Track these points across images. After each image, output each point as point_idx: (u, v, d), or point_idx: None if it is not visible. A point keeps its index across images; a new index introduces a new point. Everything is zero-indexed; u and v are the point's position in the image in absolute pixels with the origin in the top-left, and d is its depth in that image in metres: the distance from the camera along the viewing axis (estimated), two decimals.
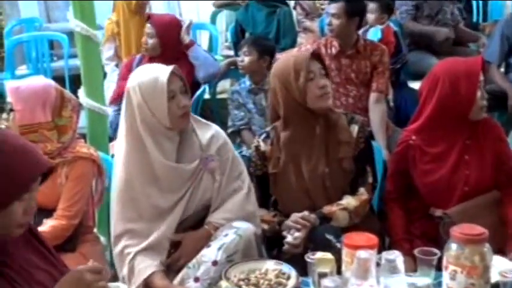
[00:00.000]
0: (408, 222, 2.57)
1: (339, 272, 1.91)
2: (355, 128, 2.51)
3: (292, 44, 4.83)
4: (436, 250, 1.91)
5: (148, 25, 3.93)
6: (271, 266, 2.09)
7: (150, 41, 3.90)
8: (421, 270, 1.92)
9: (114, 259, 2.40)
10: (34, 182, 1.59)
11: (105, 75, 4.27)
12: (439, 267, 1.89)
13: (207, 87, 4.44)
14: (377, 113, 3.61)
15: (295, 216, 2.42)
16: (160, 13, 5.13)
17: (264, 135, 2.60)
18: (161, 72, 2.29)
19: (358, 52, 3.66)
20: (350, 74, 3.67)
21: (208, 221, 2.38)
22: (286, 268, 2.06)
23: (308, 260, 1.93)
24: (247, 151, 3.59)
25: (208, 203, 2.40)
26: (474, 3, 6.26)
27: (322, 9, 5.66)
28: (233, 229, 2.29)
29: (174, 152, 2.34)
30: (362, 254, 1.76)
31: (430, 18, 5.12)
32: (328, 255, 1.92)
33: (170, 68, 2.30)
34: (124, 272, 2.31)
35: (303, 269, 1.99)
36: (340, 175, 2.50)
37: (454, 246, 1.79)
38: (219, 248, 2.24)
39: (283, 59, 2.62)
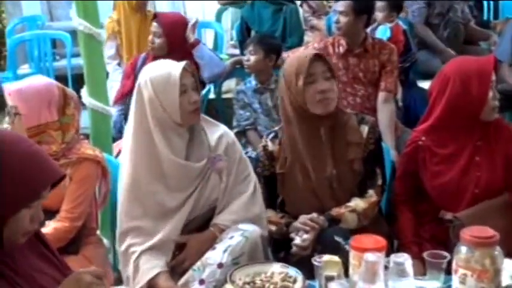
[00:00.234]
0: (417, 225, 2.56)
1: (346, 275, 1.91)
2: (365, 129, 2.51)
3: (299, 43, 4.83)
4: (445, 253, 1.91)
5: (154, 24, 3.93)
6: (277, 269, 2.09)
7: (157, 41, 3.90)
8: (430, 273, 1.91)
9: (119, 257, 2.41)
10: (45, 189, 1.59)
11: (107, 74, 4.28)
12: (448, 271, 1.89)
13: (212, 86, 4.45)
14: (385, 113, 3.60)
15: (303, 218, 2.42)
16: (166, 12, 5.15)
17: (272, 135, 2.60)
18: (174, 67, 2.33)
19: (366, 51, 3.65)
20: (358, 73, 3.67)
21: (213, 222, 2.39)
22: (293, 271, 2.06)
23: (315, 263, 1.93)
24: (252, 152, 3.61)
25: (214, 204, 2.41)
26: (485, 1, 6.25)
27: (330, 7, 5.67)
28: (239, 231, 2.30)
29: (183, 150, 2.37)
30: (370, 256, 1.76)
31: (441, 17, 5.11)
32: (335, 258, 1.92)
33: (182, 63, 2.33)
34: (128, 271, 2.33)
35: (310, 272, 1.99)
36: (348, 176, 2.50)
37: (464, 249, 1.79)
38: (225, 251, 2.25)
39: (290, 58, 2.62)
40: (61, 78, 5.37)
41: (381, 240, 1.88)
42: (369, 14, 3.73)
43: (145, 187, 2.34)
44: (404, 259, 1.79)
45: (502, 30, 5.00)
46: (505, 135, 2.49)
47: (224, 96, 4.72)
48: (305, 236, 2.38)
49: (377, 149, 2.55)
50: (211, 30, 6.05)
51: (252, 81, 3.90)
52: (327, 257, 1.92)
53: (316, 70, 2.44)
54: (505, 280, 1.84)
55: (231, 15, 6.37)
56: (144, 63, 3.94)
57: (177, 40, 3.92)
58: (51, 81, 2.59)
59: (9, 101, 2.43)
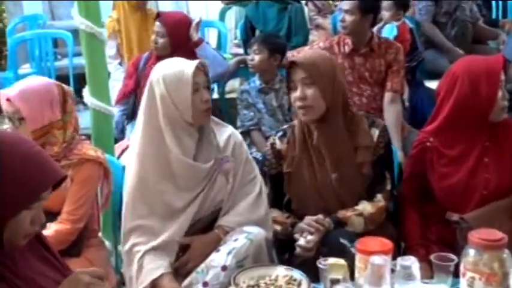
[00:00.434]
0: (424, 227, 2.56)
1: (352, 278, 1.91)
2: (375, 132, 2.51)
3: (304, 42, 4.83)
4: (453, 256, 1.91)
5: (158, 24, 3.93)
6: (281, 272, 2.08)
7: (160, 40, 3.90)
8: (438, 277, 1.91)
9: (123, 257, 2.42)
10: (45, 190, 1.59)
11: (108, 74, 4.29)
12: (456, 274, 1.88)
13: (215, 86, 4.45)
14: (392, 114, 3.60)
15: (309, 219, 2.42)
16: (169, 11, 5.15)
17: (280, 133, 2.61)
18: (187, 65, 2.34)
19: (372, 50, 3.65)
20: (364, 73, 3.66)
21: (218, 224, 2.40)
22: (297, 274, 2.06)
23: (320, 265, 1.93)
24: (257, 153, 3.61)
25: (220, 205, 2.43)
26: (493, 0, 6.24)
27: (335, 5, 5.67)
28: (244, 233, 2.30)
29: (193, 150, 2.38)
30: (376, 259, 1.76)
31: (448, 15, 5.11)
32: (341, 261, 1.92)
33: (195, 61, 2.35)
34: (132, 270, 2.33)
35: (315, 275, 1.99)
36: (356, 180, 2.50)
37: (472, 252, 1.79)
38: (229, 253, 2.25)
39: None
40: (62, 77, 5.39)
41: (387, 243, 1.88)
42: (375, 13, 3.72)
43: (153, 186, 2.35)
44: (411, 262, 1.79)
45: (511, 29, 5.00)
46: None
47: (228, 96, 4.72)
48: (309, 237, 2.38)
49: (387, 153, 2.54)
50: (214, 30, 6.05)
51: (256, 81, 3.90)
52: (332, 260, 1.92)
53: (294, 77, 2.46)
54: None
55: (235, 14, 6.36)
56: (146, 63, 3.95)
57: (180, 40, 3.92)
58: (48, 80, 2.60)
59: (8, 107, 2.41)
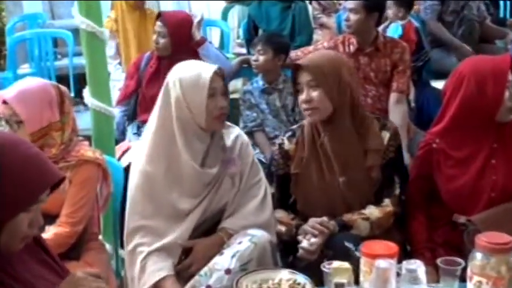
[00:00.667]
0: (430, 230, 2.55)
1: (356, 282, 1.90)
2: (386, 135, 2.51)
3: (308, 41, 4.82)
4: (460, 260, 1.90)
5: (159, 24, 3.93)
6: (285, 276, 2.08)
7: (162, 41, 3.90)
8: (444, 281, 1.91)
9: (125, 257, 2.42)
10: (43, 192, 1.59)
11: (108, 74, 4.30)
12: (463, 278, 1.88)
13: None
14: (397, 114, 3.59)
15: (313, 221, 2.42)
16: (170, 11, 5.15)
17: (289, 133, 2.62)
18: (205, 69, 2.36)
19: (377, 50, 3.65)
20: (369, 73, 3.66)
21: (221, 227, 2.41)
22: (301, 278, 2.06)
23: (324, 269, 1.93)
24: (259, 154, 3.61)
25: (224, 207, 2.43)
26: None
27: (340, 4, 5.67)
28: (248, 236, 2.31)
29: (201, 154, 2.39)
30: (381, 263, 1.75)
31: (455, 14, 5.10)
32: (346, 265, 1.91)
33: (214, 66, 2.37)
34: (134, 271, 2.34)
35: (319, 278, 1.99)
36: (364, 184, 2.50)
37: (479, 255, 1.78)
38: (233, 256, 2.26)
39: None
40: (63, 77, 5.42)
41: (393, 246, 1.88)
42: (380, 11, 3.72)
43: (160, 186, 2.37)
44: (417, 266, 1.79)
45: None
46: None
47: (230, 96, 4.70)
48: (313, 239, 2.38)
49: (397, 157, 2.54)
50: (217, 29, 6.05)
51: (259, 81, 3.90)
52: (336, 264, 1.92)
53: (300, 79, 2.47)
54: None
55: (237, 13, 6.37)
56: (148, 63, 3.95)
57: (182, 40, 3.92)
58: (44, 80, 2.60)
59: (5, 109, 2.40)
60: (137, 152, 2.48)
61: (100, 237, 2.77)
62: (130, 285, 2.37)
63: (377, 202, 2.50)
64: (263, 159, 3.52)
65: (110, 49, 4.65)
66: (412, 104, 4.10)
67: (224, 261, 2.26)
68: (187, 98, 2.32)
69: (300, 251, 2.39)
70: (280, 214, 2.55)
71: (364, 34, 3.65)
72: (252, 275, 2.09)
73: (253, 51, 3.96)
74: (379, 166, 2.49)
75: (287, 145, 2.59)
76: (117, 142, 3.52)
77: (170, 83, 2.37)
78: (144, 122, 3.76)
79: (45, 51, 5.89)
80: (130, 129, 3.88)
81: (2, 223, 1.53)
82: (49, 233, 2.40)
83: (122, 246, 2.70)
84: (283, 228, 2.51)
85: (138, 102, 3.94)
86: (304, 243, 2.38)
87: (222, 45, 5.66)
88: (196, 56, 3.92)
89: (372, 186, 2.51)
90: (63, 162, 2.46)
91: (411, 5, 4.59)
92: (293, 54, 3.95)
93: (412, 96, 4.09)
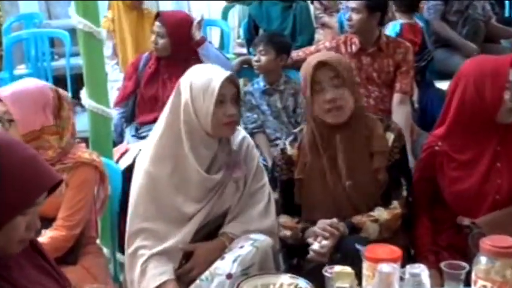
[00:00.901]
0: (434, 233, 2.55)
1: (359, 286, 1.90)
2: (391, 137, 2.51)
3: (310, 41, 4.83)
4: (464, 263, 1.90)
5: (157, 24, 3.93)
6: (286, 280, 2.08)
7: (161, 41, 3.90)
8: (448, 285, 1.90)
9: (125, 259, 2.43)
10: (41, 195, 1.59)
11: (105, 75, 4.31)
12: (467, 282, 1.88)
13: None
14: (401, 116, 3.59)
15: (323, 223, 2.40)
16: (169, 10, 5.15)
17: (291, 138, 2.61)
18: (216, 75, 2.35)
19: (380, 50, 3.65)
20: (371, 74, 3.66)
21: (223, 231, 2.41)
22: (303, 282, 2.06)
23: (326, 274, 1.92)
24: (260, 156, 3.61)
25: (226, 211, 2.44)
26: None
27: (341, 3, 5.67)
28: (249, 241, 2.31)
29: (208, 160, 2.39)
30: (384, 267, 1.75)
31: (459, 14, 5.10)
32: (348, 269, 1.91)
33: (227, 73, 2.36)
34: (134, 274, 2.34)
35: (321, 284, 1.98)
36: (371, 187, 2.49)
37: (483, 259, 1.78)
38: (234, 261, 2.26)
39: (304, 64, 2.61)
40: (60, 78, 5.41)
41: (396, 250, 1.88)
42: (383, 11, 3.72)
43: (164, 188, 2.37)
44: (421, 270, 1.79)
45: None
46: None
47: None
48: (324, 242, 2.36)
49: (402, 159, 2.54)
50: (217, 29, 6.05)
51: (260, 82, 3.90)
52: (338, 268, 1.92)
53: (322, 78, 2.43)
54: None
55: (238, 13, 6.38)
56: (146, 64, 3.95)
57: (181, 40, 3.91)
58: (44, 83, 2.60)
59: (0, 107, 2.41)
60: (143, 151, 2.48)
61: (98, 241, 2.77)
62: None
63: (384, 204, 2.49)
64: (264, 163, 3.51)
65: (107, 49, 4.65)
66: (416, 105, 4.10)
67: (225, 265, 2.26)
68: (195, 103, 2.33)
69: (311, 253, 2.37)
70: (284, 219, 2.54)
71: (367, 34, 3.65)
72: (252, 279, 2.09)
73: (255, 52, 3.96)
74: (385, 168, 2.49)
75: (289, 150, 2.58)
76: (115, 144, 3.52)
77: (182, 86, 2.38)
78: (143, 123, 3.78)
79: (41, 52, 5.87)
80: (129, 131, 3.88)
81: None
82: (45, 236, 2.39)
83: (120, 250, 2.71)
84: (288, 233, 2.50)
85: (137, 104, 3.93)
86: (315, 246, 2.37)
87: (222, 45, 5.66)
88: (196, 56, 3.93)
89: (378, 189, 2.50)
90: (60, 165, 2.46)
91: (414, 5, 4.58)
92: (294, 54, 3.95)
93: (415, 97, 4.09)
